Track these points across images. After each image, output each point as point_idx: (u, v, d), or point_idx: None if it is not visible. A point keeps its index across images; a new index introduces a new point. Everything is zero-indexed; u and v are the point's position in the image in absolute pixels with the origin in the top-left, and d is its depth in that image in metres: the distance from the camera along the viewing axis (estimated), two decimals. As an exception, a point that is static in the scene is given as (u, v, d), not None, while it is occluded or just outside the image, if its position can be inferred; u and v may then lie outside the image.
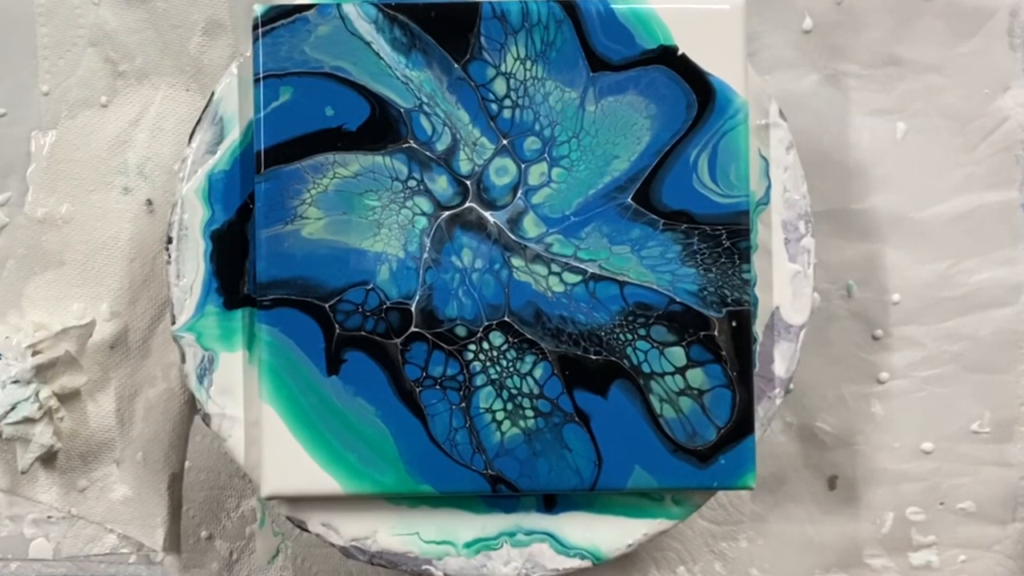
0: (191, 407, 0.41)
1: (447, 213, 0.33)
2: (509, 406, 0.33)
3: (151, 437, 0.41)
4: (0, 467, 0.41)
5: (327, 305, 0.33)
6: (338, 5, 0.33)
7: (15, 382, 0.38)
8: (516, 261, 0.33)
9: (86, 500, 0.41)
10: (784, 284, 0.35)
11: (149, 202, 0.40)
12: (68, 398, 0.40)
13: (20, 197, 0.41)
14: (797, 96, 0.41)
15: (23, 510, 0.41)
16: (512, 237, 0.33)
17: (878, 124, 0.41)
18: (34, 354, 0.38)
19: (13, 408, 0.38)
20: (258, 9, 0.33)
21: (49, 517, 0.41)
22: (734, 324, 0.33)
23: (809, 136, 0.41)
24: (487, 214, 0.33)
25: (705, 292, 0.33)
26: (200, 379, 0.34)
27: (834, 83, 0.41)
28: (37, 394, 0.38)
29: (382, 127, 0.33)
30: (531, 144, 0.33)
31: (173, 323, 0.34)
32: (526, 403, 0.33)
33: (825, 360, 0.41)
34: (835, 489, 0.42)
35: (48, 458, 0.40)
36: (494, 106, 0.33)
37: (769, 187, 0.35)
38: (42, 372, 0.38)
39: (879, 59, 0.41)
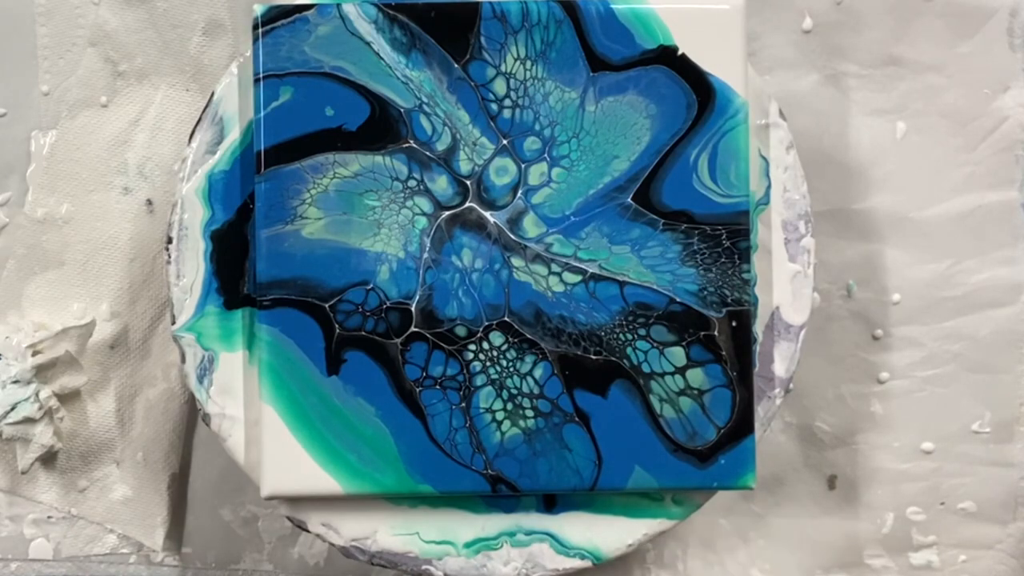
0: (191, 407, 0.41)
1: (447, 213, 0.33)
2: (509, 406, 0.33)
3: (151, 437, 0.41)
4: (0, 467, 0.41)
5: (327, 305, 0.33)
6: (338, 5, 0.33)
7: (15, 382, 0.38)
8: (516, 261, 0.33)
9: (86, 500, 0.41)
10: (784, 284, 0.35)
11: (149, 202, 0.40)
12: (68, 398, 0.40)
13: (20, 197, 0.41)
14: (797, 96, 0.41)
15: (23, 510, 0.41)
16: (512, 237, 0.33)
17: (878, 124, 0.41)
18: (34, 354, 0.38)
19: (13, 408, 0.38)
20: (258, 9, 0.33)
21: (49, 517, 0.41)
22: (734, 324, 0.33)
23: (809, 136, 0.41)
24: (487, 214, 0.33)
25: (705, 292, 0.33)
26: (200, 379, 0.34)
27: (834, 83, 0.41)
28: (37, 394, 0.38)
29: (382, 127, 0.33)
30: (531, 144, 0.33)
31: (173, 323, 0.34)
32: (526, 403, 0.33)
33: (825, 360, 0.41)
34: (835, 489, 0.42)
35: (48, 458, 0.40)
36: (494, 106, 0.33)
37: (769, 187, 0.35)
38: (42, 372, 0.38)
39: (879, 59, 0.41)
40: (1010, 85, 0.41)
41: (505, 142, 0.33)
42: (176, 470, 0.41)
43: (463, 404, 0.33)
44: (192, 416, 0.41)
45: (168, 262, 0.34)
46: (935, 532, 0.41)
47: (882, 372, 0.41)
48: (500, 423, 0.33)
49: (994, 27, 0.41)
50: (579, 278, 0.33)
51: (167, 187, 0.40)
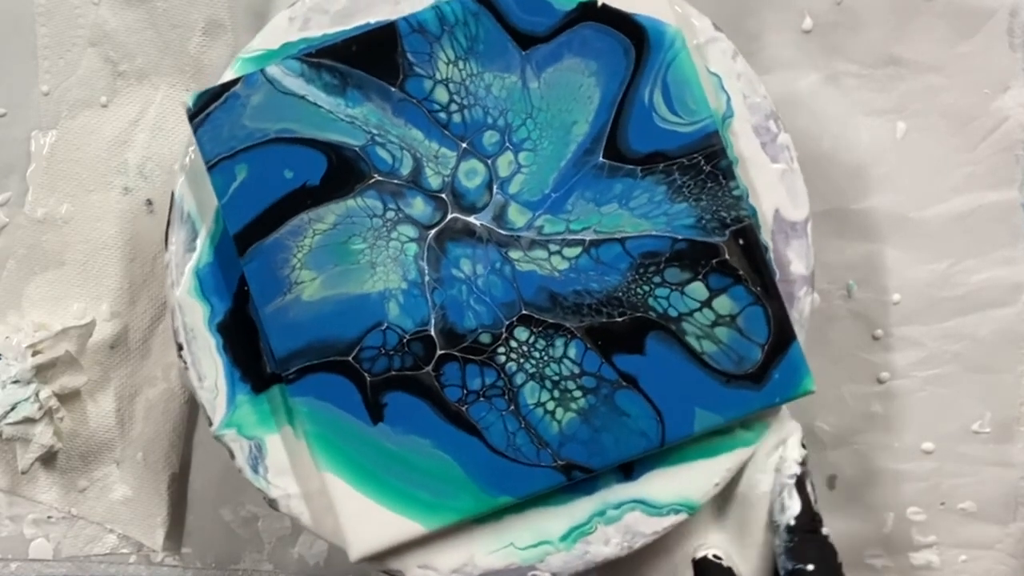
0: (191, 407, 0.41)
1: (433, 231, 0.33)
2: (556, 393, 0.33)
3: (151, 437, 0.40)
4: (0, 467, 0.40)
5: (350, 358, 0.33)
6: (262, 70, 0.33)
7: (15, 382, 0.38)
8: (514, 254, 0.33)
9: (86, 500, 0.41)
10: (775, 185, 0.35)
11: (149, 202, 0.40)
12: (68, 398, 0.39)
13: (20, 197, 0.40)
14: (797, 96, 0.41)
15: (23, 510, 0.41)
16: (503, 233, 0.33)
17: (878, 124, 0.41)
18: (34, 354, 0.38)
19: (13, 408, 0.38)
20: (188, 100, 0.33)
21: (49, 517, 0.41)
22: (741, 242, 0.33)
23: (809, 136, 0.40)
24: (471, 219, 0.33)
25: (703, 221, 0.33)
26: (255, 469, 0.34)
27: (834, 83, 0.41)
28: (37, 394, 0.38)
29: (344, 172, 0.33)
30: (490, 138, 0.33)
31: (211, 425, 0.34)
32: (571, 385, 0.33)
33: (825, 360, 0.41)
34: (835, 489, 0.41)
35: (48, 458, 0.40)
36: (442, 115, 0.33)
37: (729, 99, 0.35)
38: (42, 372, 0.38)
39: (879, 59, 0.40)
40: (1010, 85, 0.40)
41: (464, 145, 0.33)
42: (176, 470, 0.41)
43: (512, 407, 0.33)
44: (192, 416, 0.41)
45: (186, 368, 0.34)
46: (935, 532, 0.41)
47: (882, 372, 0.41)
48: (553, 413, 0.33)
49: (994, 27, 0.40)
50: (579, 249, 0.33)
51: (167, 187, 0.40)
